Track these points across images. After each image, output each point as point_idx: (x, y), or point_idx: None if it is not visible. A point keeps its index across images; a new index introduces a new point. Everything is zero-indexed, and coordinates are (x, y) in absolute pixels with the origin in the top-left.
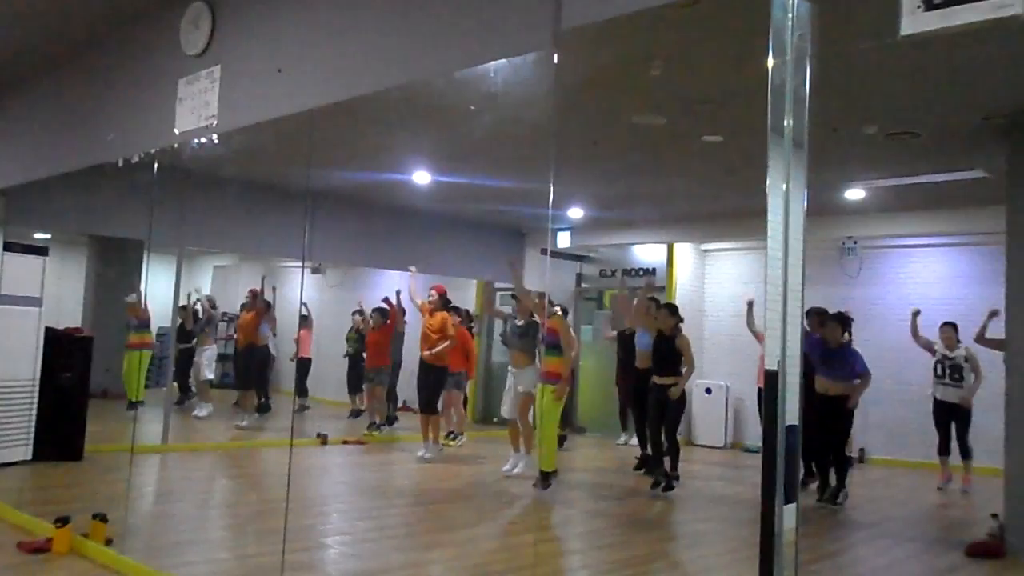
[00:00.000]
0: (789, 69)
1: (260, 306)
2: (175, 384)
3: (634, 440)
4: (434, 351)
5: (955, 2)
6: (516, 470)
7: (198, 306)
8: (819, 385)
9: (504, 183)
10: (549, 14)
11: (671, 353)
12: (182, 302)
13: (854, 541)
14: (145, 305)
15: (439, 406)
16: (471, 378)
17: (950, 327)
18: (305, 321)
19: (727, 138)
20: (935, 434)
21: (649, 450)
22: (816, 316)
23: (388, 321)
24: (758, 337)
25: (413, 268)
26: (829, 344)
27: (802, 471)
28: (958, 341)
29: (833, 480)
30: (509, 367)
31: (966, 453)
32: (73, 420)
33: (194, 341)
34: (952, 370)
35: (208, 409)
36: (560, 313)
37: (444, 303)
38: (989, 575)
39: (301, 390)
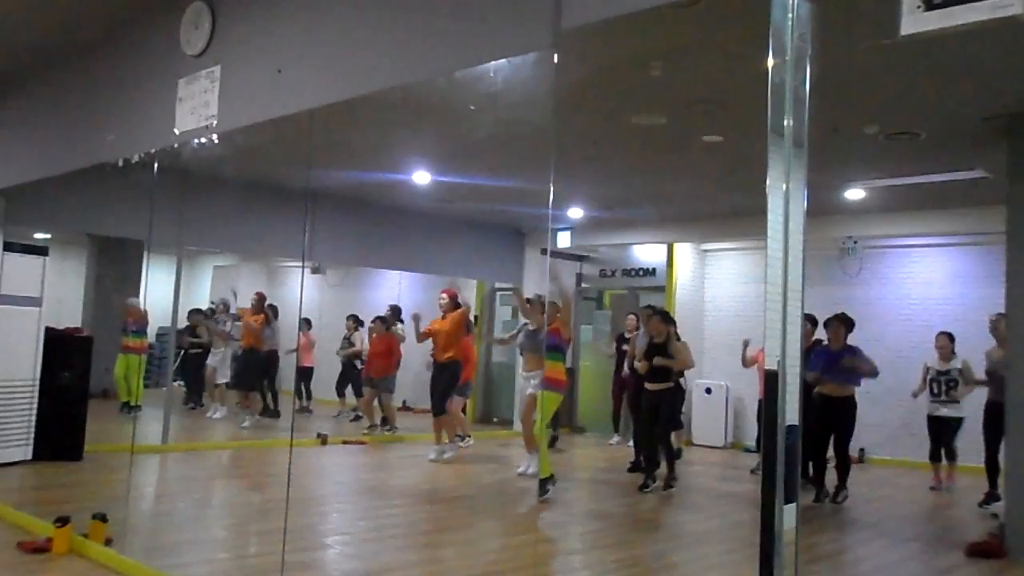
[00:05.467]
0: (789, 69)
1: (266, 311)
2: (182, 386)
3: (630, 443)
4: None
5: (955, 2)
6: (530, 470)
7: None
8: (823, 388)
9: (504, 183)
10: (549, 14)
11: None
12: (195, 306)
13: (854, 541)
14: (145, 311)
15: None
16: (469, 380)
17: (945, 336)
18: (307, 326)
19: (727, 138)
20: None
21: (637, 451)
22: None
23: (388, 331)
24: (750, 363)
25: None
26: (831, 347)
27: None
28: (953, 353)
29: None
30: (521, 371)
31: (952, 456)
32: (73, 420)
33: (202, 347)
34: (947, 387)
35: (223, 411)
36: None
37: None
38: (989, 575)
39: (304, 394)
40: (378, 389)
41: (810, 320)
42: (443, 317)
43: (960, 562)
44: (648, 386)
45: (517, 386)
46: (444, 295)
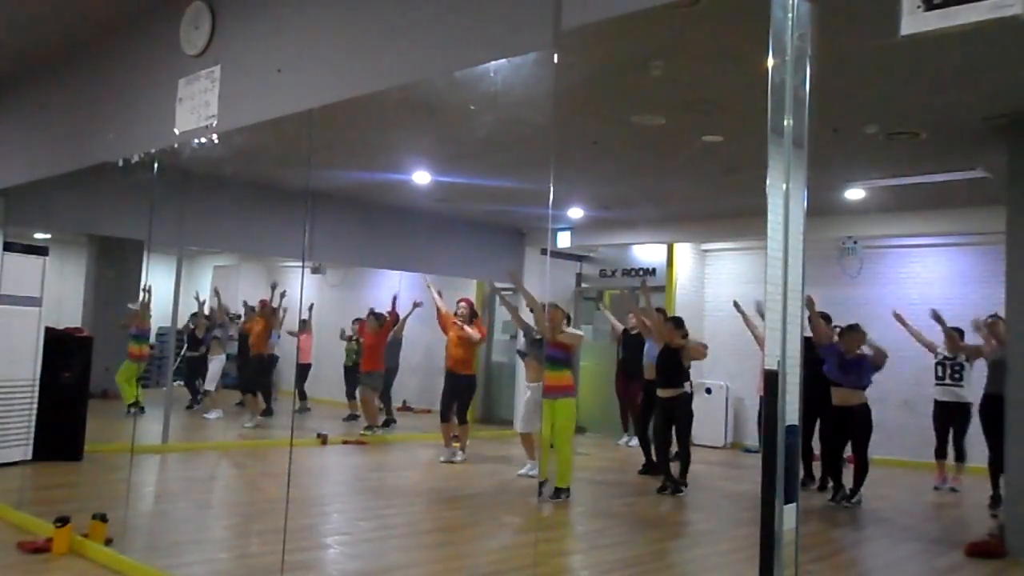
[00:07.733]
0: (789, 69)
1: (267, 315)
2: (185, 388)
3: (634, 441)
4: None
5: (955, 2)
6: (532, 472)
7: (207, 310)
8: (837, 397)
9: (504, 183)
10: (549, 14)
11: (675, 365)
12: (193, 309)
13: (854, 541)
14: (149, 311)
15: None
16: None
17: (955, 332)
18: (305, 326)
19: (727, 138)
20: (933, 434)
21: (654, 456)
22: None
23: (383, 327)
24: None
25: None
26: (846, 355)
27: (802, 472)
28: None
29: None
30: (525, 382)
31: (961, 457)
32: (73, 420)
33: (203, 349)
34: (953, 370)
35: (218, 413)
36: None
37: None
38: (989, 575)
39: (301, 393)
40: (365, 386)
41: (824, 318)
42: (459, 325)
43: (960, 562)
44: (660, 392)
45: (517, 387)
46: (463, 303)
